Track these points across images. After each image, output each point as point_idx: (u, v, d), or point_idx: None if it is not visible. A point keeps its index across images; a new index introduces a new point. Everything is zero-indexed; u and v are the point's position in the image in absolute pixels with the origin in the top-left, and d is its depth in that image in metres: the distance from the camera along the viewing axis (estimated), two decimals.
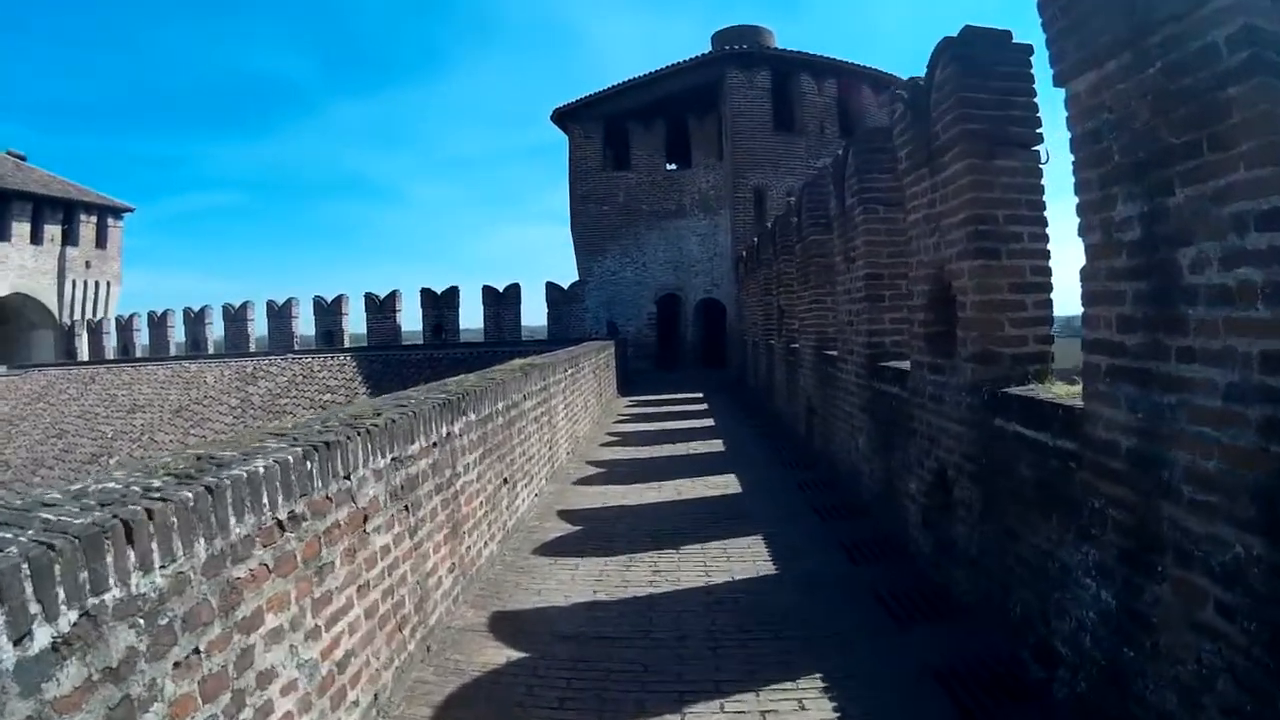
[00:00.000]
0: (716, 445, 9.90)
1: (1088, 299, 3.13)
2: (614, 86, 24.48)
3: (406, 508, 3.61)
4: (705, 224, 24.99)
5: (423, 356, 23.13)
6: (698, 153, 25.57)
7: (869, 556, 5.21)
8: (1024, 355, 4.15)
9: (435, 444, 4.10)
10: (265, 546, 2.43)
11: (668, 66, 22.96)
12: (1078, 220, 3.24)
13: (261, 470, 2.42)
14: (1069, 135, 3.27)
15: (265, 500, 2.43)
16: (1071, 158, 3.27)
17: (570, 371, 9.44)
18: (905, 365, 5.68)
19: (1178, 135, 2.61)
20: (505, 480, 5.73)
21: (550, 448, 7.75)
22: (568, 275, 25.77)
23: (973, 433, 4.24)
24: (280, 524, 2.52)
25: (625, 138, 25.84)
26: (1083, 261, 3.20)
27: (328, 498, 2.82)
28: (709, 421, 12.21)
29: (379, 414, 3.52)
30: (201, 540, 2.11)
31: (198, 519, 2.10)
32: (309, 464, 2.69)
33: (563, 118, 26.04)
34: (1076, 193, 3.24)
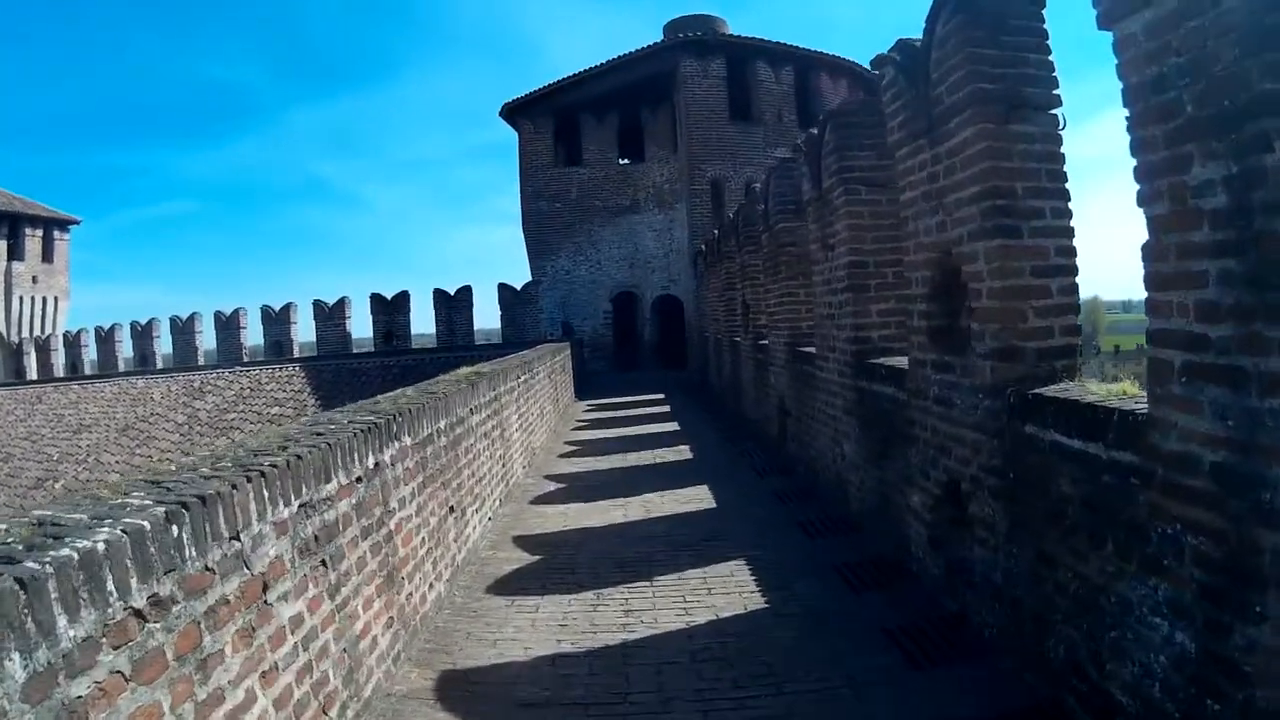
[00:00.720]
0: (684, 452, 9.32)
1: (1154, 282, 2.58)
2: (566, 78, 23.79)
3: (324, 562, 2.94)
4: (661, 219, 24.43)
5: (374, 364, 22.40)
6: (652, 145, 24.98)
7: (869, 581, 4.64)
8: (1050, 349, 3.61)
9: (360, 479, 3.43)
10: (117, 648, 1.78)
11: (620, 56, 22.34)
12: (1137, 186, 2.70)
13: (103, 546, 1.76)
14: (1122, 85, 2.73)
15: (111, 586, 1.77)
16: (1125, 113, 2.73)
17: (524, 378, 8.78)
18: (901, 363, 5.14)
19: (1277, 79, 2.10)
20: (452, 509, 5.07)
21: (504, 464, 7.10)
22: (523, 277, 24.98)
23: (994, 441, 3.68)
24: (139, 614, 1.86)
25: (577, 132, 25.17)
26: (1144, 236, 2.66)
27: (208, 569, 2.16)
28: (673, 425, 11.62)
29: (285, 447, 2.85)
30: (15, 656, 1.46)
31: (5, 627, 1.44)
32: (175, 528, 2.02)
33: (513, 113, 25.28)
34: (1134, 153, 2.69)
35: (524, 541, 5.82)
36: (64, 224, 32.54)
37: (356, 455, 3.38)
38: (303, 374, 22.27)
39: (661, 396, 15.94)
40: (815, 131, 6.70)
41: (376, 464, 3.68)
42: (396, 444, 4.02)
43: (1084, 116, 72.58)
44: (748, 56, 21.21)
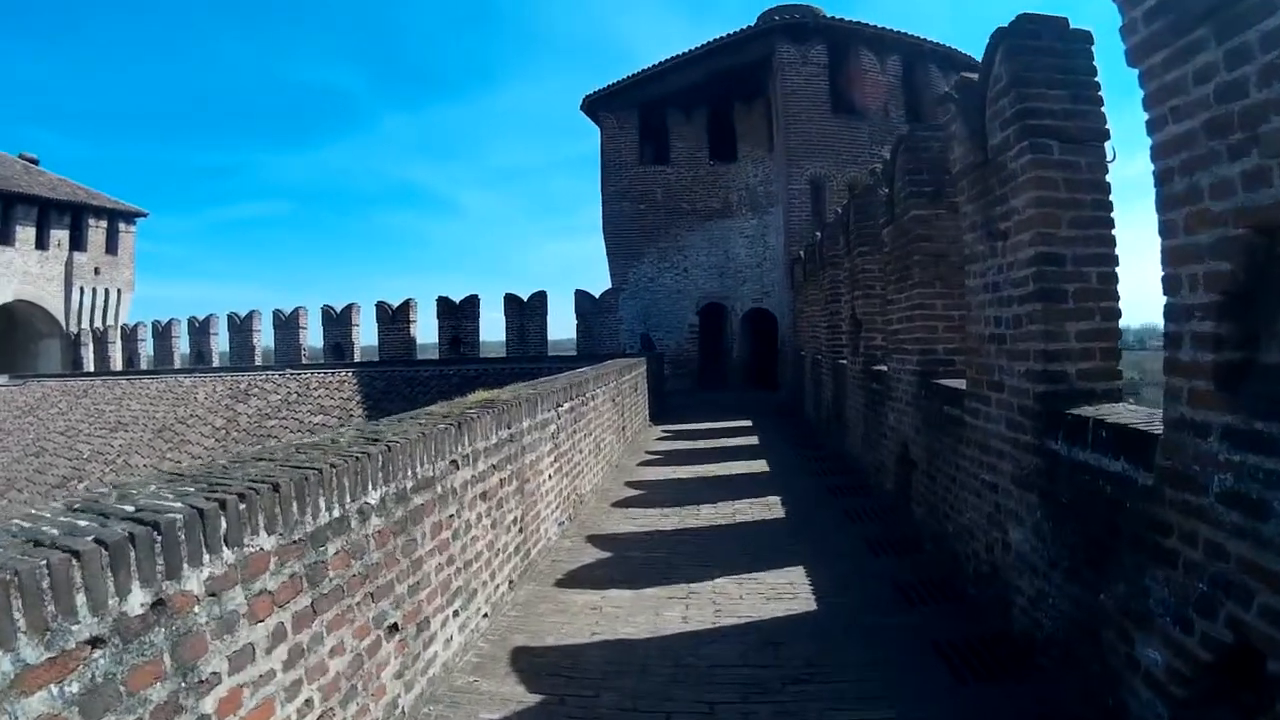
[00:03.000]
0: (773, 505, 7.30)
1: None
2: (651, 67, 22.02)
3: None
4: (754, 224, 22.43)
5: (432, 373, 21.26)
6: (744, 144, 23.00)
7: None
8: None
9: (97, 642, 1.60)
10: None
11: (711, 41, 20.38)
12: None
13: None
14: None
15: None
16: None
17: (570, 406, 6.94)
18: (1140, 421, 3.13)
19: None
20: (395, 627, 3.25)
21: (522, 530, 5.26)
22: (606, 287, 23.36)
23: None
24: None
25: (663, 128, 23.40)
26: None
27: None
28: (760, 464, 9.62)
29: None
30: None
31: None
32: None
33: (594, 106, 23.68)
34: None
35: (525, 663, 3.92)
36: (130, 216, 32.52)
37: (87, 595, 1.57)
38: (354, 380, 21.14)
39: (749, 424, 13.92)
40: (971, 75, 4.70)
41: (156, 603, 1.88)
42: (230, 553, 2.21)
43: None
44: (850, 43, 19.01)
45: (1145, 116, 2.94)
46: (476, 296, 22.93)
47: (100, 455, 21.48)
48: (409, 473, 3.47)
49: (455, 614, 4.01)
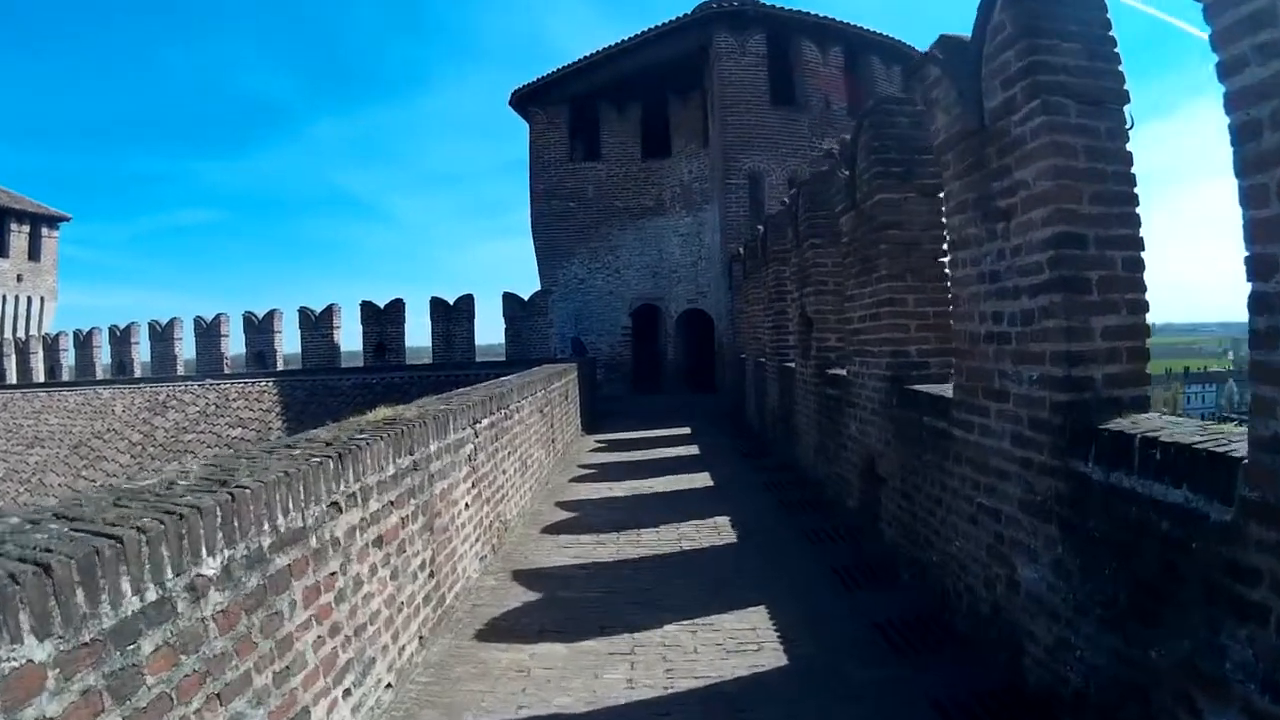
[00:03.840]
0: (722, 528, 6.54)
1: None
2: (583, 59, 21.23)
3: None
4: (689, 221, 21.80)
5: (355, 382, 20.41)
6: (679, 139, 22.38)
7: None
8: None
9: None
10: None
11: (645, 31, 19.66)
12: None
13: None
14: None
15: None
16: None
17: (492, 421, 6.10)
18: (1204, 439, 2.48)
19: None
20: None
21: (433, 574, 4.40)
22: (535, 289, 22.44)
23: None
24: None
25: (595, 123, 22.66)
26: None
27: None
28: (704, 477, 8.88)
29: None
30: None
31: None
32: None
33: (523, 101, 22.81)
34: None
35: None
36: (53, 220, 31.02)
37: None
38: (275, 390, 20.22)
39: (688, 431, 13.21)
40: (956, 35, 4.03)
41: None
42: None
43: None
44: (791, 33, 18.49)
45: (1216, 59, 2.30)
46: (401, 301, 21.82)
47: (16, 474, 20.36)
48: (267, 526, 2.62)
49: (346, 694, 3.16)
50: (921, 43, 4.12)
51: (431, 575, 4.41)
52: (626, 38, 20.25)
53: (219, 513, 2.38)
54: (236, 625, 2.45)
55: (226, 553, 2.42)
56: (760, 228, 11.40)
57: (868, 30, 19.29)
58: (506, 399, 6.61)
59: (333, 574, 3.09)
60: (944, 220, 4.52)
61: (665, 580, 5.25)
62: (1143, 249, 3.30)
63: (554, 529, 6.77)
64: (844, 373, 6.61)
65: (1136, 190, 3.31)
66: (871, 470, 5.80)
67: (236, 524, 2.47)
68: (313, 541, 2.93)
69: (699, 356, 21.77)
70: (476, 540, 5.44)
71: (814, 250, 7.58)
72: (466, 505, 5.24)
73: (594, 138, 22.84)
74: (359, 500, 3.40)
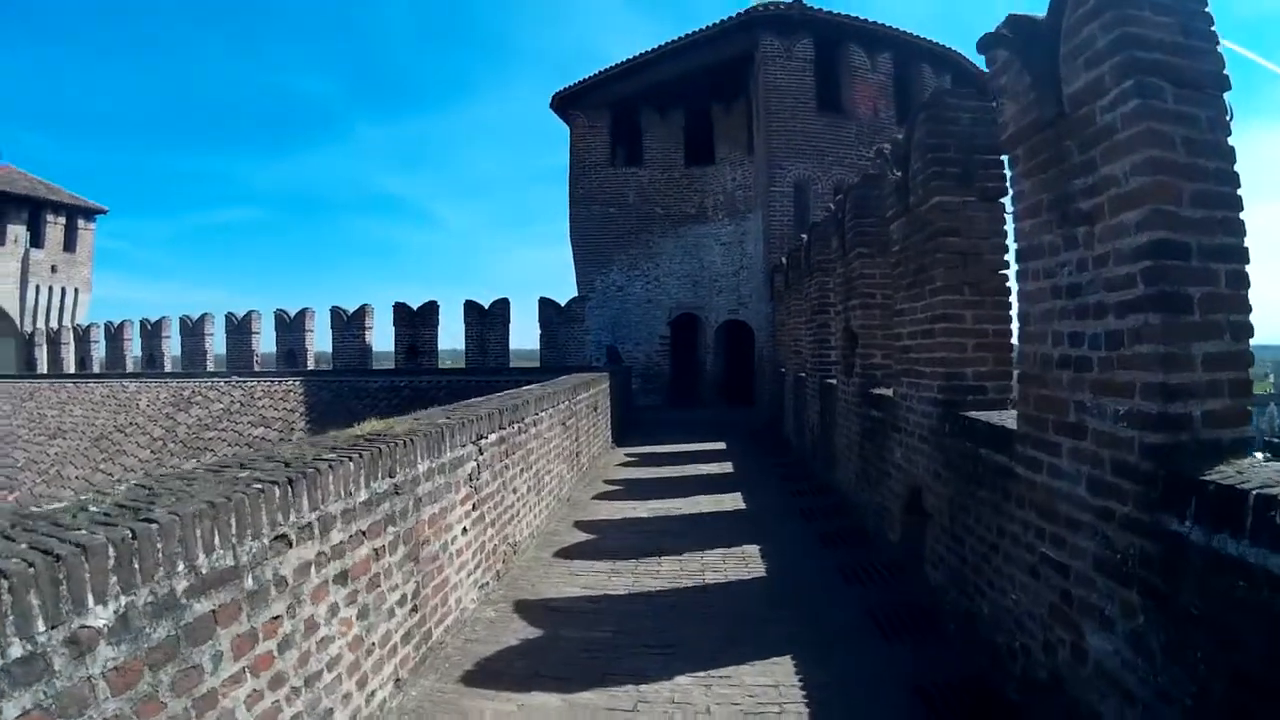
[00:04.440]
0: (751, 560, 6.00)
1: None
2: (625, 61, 20.78)
3: None
4: (730, 230, 21.26)
5: (382, 384, 20.20)
6: (723, 146, 21.86)
7: None
8: None
9: None
10: None
11: (689, 34, 19.17)
12: None
13: None
14: None
15: None
16: None
17: (502, 436, 5.66)
18: None
19: None
20: None
21: (416, 609, 3.95)
22: (572, 295, 22.15)
23: None
24: None
25: (637, 128, 22.23)
26: None
27: None
28: (736, 498, 8.36)
29: None
30: None
31: None
32: None
33: (564, 104, 22.45)
34: None
35: None
36: (89, 213, 31.43)
37: None
38: (301, 389, 20.01)
39: (722, 447, 12.68)
40: (1029, 15, 3.51)
41: None
42: None
43: None
44: (839, 38, 17.89)
45: None
46: (435, 303, 21.61)
47: (35, 464, 20.50)
48: (182, 566, 2.19)
49: None
50: (973, 53, 3.80)
51: (415, 610, 3.96)
52: (669, 40, 19.82)
53: (112, 552, 1.96)
54: (137, 683, 2.03)
55: (124, 599, 2.00)
56: (804, 236, 10.86)
57: (917, 37, 18.61)
58: (521, 411, 6.15)
59: (276, 618, 2.65)
60: (1010, 227, 3.98)
61: (683, 620, 4.75)
62: (1247, 261, 2.76)
63: (568, 553, 6.30)
64: (889, 394, 6.06)
65: (1240, 192, 2.78)
66: (917, 503, 5.25)
67: (138, 565, 2.04)
68: (247, 582, 2.49)
69: (738, 369, 21.21)
70: (476, 567, 4.99)
71: (861, 260, 7.04)
72: (464, 530, 4.79)
73: (636, 143, 22.42)
74: (316, 531, 2.96)
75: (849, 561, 5.86)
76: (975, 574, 4.19)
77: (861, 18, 17.88)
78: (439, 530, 4.31)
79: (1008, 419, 3.99)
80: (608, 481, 9.55)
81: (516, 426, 6.03)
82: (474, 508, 4.98)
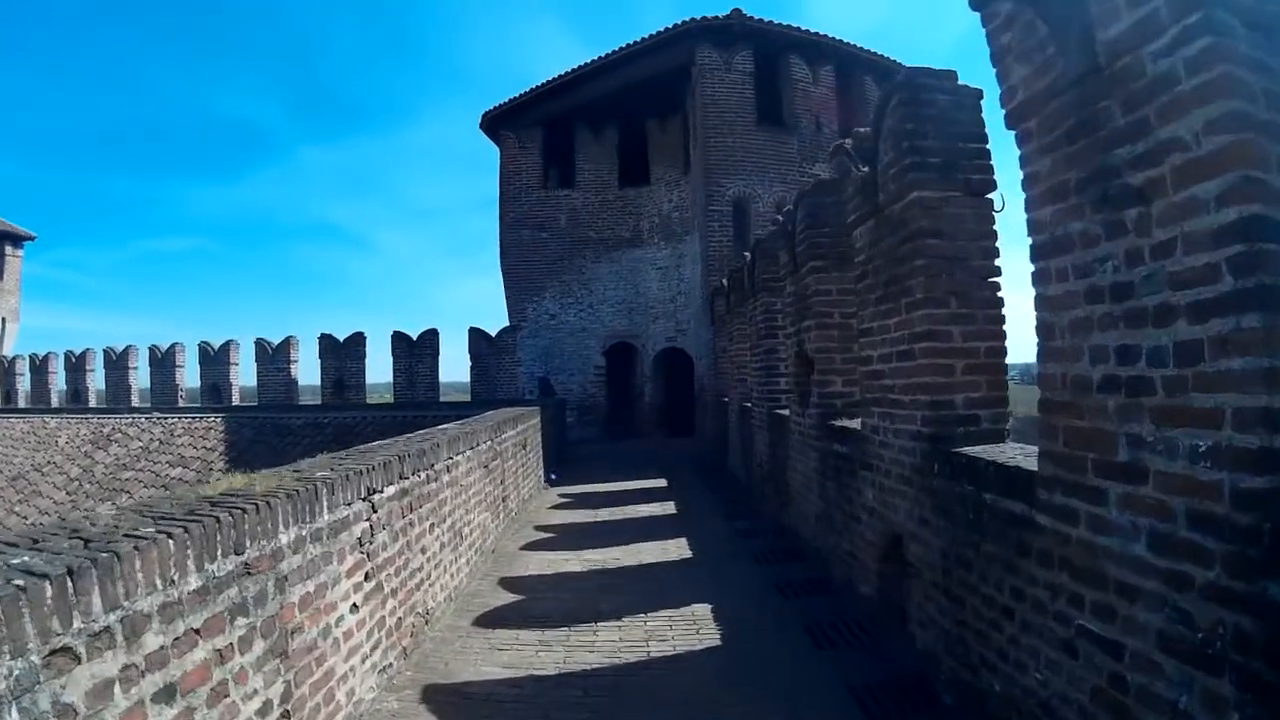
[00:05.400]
0: (704, 622, 5.22)
1: None
2: (558, 77, 20.12)
3: None
4: (667, 254, 20.68)
5: (306, 421, 19.54)
6: (659, 166, 21.32)
7: None
8: None
9: None
10: None
11: (624, 47, 18.55)
12: None
13: None
14: None
15: None
16: None
17: (404, 489, 4.81)
18: None
19: None
20: None
21: (286, 715, 3.12)
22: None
23: None
24: None
25: (570, 148, 21.59)
26: None
27: None
28: (681, 545, 7.58)
29: None
30: None
31: None
32: None
33: (494, 123, 21.71)
34: None
35: None
36: (17, 239, 29.52)
37: None
38: (223, 427, 19.31)
39: (664, 484, 11.93)
40: None
41: None
42: None
43: None
44: (780, 49, 17.46)
45: None
46: (362, 335, 20.67)
47: None
48: None
49: None
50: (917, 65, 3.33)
51: (286, 715, 3.11)
52: (605, 53, 19.22)
53: None
54: None
55: None
56: (747, 255, 10.23)
57: (861, 49, 18.28)
58: (430, 456, 5.31)
59: None
60: (1009, 223, 3.34)
61: (623, 708, 3.95)
62: None
63: (490, 620, 5.46)
64: (856, 426, 5.39)
65: None
66: (896, 553, 4.55)
67: None
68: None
69: (678, 399, 20.55)
70: (374, 648, 4.13)
71: (815, 275, 6.39)
72: (354, 607, 3.94)
73: (569, 164, 21.77)
74: (120, 637, 2.13)
75: (816, 618, 5.13)
76: (980, 642, 3.49)
77: (803, 28, 17.46)
78: (316, 613, 3.46)
79: (1018, 456, 3.32)
80: (539, 528, 8.70)
81: (424, 474, 5.18)
82: (367, 578, 4.13)
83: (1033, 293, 2.96)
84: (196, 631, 2.53)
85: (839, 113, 17.80)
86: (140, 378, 22.50)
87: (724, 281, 13.18)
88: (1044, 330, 2.90)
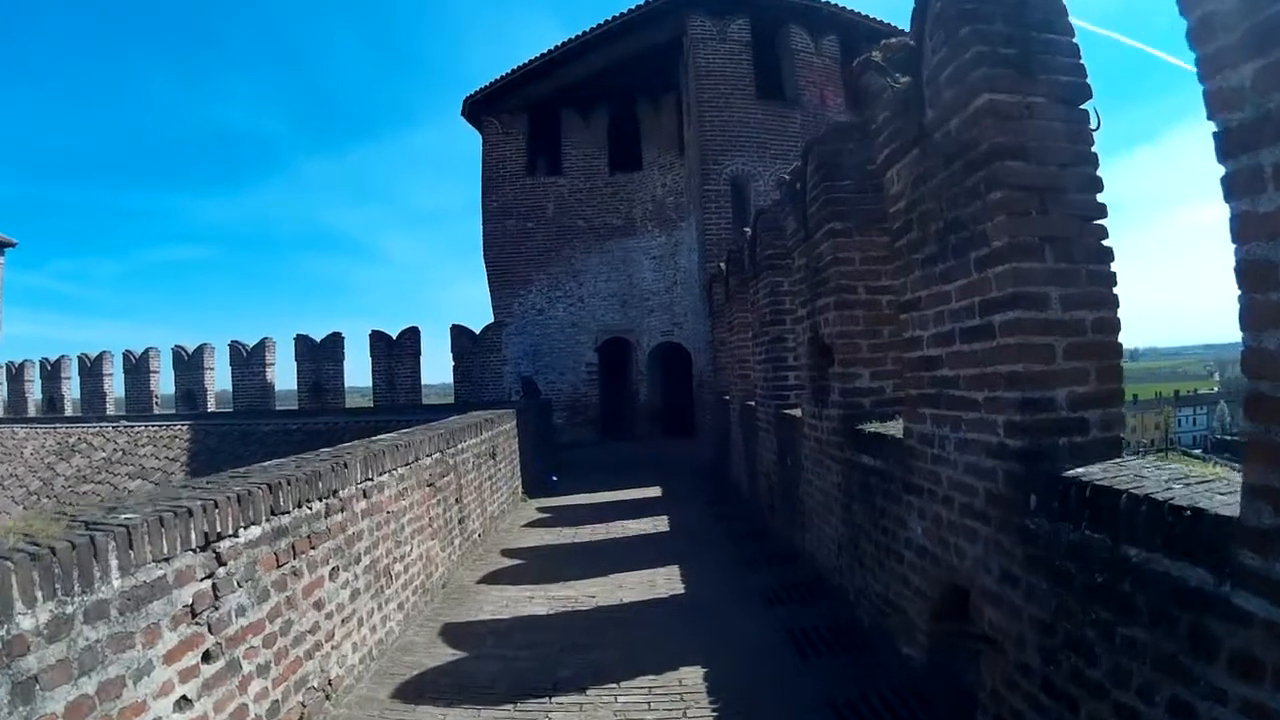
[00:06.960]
0: (697, 697, 4.01)
1: None
2: (543, 55, 18.85)
3: None
4: (662, 242, 19.45)
5: (274, 428, 18.79)
6: (651, 149, 20.09)
7: None
8: None
9: None
10: None
11: (613, 18, 17.28)
12: None
13: None
14: None
15: None
16: None
17: (290, 524, 3.59)
18: None
19: None
20: None
21: None
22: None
23: None
24: None
25: (556, 133, 20.37)
26: None
27: None
28: (674, 578, 6.34)
29: None
30: None
31: None
32: None
33: (476, 109, 20.48)
34: None
35: None
36: None
37: None
38: (188, 435, 18.58)
39: (658, 493, 10.71)
40: None
41: None
42: None
43: None
44: (779, 18, 16.18)
45: None
46: (340, 335, 19.53)
47: None
48: None
49: None
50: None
51: None
52: (591, 27, 17.95)
53: None
54: None
55: None
56: (747, 230, 8.97)
57: (865, 16, 16.97)
58: (333, 479, 4.07)
59: None
60: (1207, 83, 2.10)
61: None
62: None
63: (416, 690, 4.21)
64: (895, 433, 4.14)
65: None
66: (959, 609, 3.31)
67: None
68: None
69: (676, 397, 19.34)
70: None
71: (833, 241, 5.12)
72: (183, 701, 2.72)
73: (555, 150, 20.55)
74: None
75: (844, 690, 3.89)
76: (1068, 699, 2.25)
77: None
78: (125, 716, 2.24)
79: (1178, 487, 2.08)
80: (506, 552, 7.45)
81: (321, 504, 3.94)
82: (207, 658, 2.90)
83: (1215, 215, 1.73)
84: None
85: (844, 86, 16.54)
86: (116, 385, 21.80)
87: (722, 265, 11.94)
88: (1256, 274, 1.65)
